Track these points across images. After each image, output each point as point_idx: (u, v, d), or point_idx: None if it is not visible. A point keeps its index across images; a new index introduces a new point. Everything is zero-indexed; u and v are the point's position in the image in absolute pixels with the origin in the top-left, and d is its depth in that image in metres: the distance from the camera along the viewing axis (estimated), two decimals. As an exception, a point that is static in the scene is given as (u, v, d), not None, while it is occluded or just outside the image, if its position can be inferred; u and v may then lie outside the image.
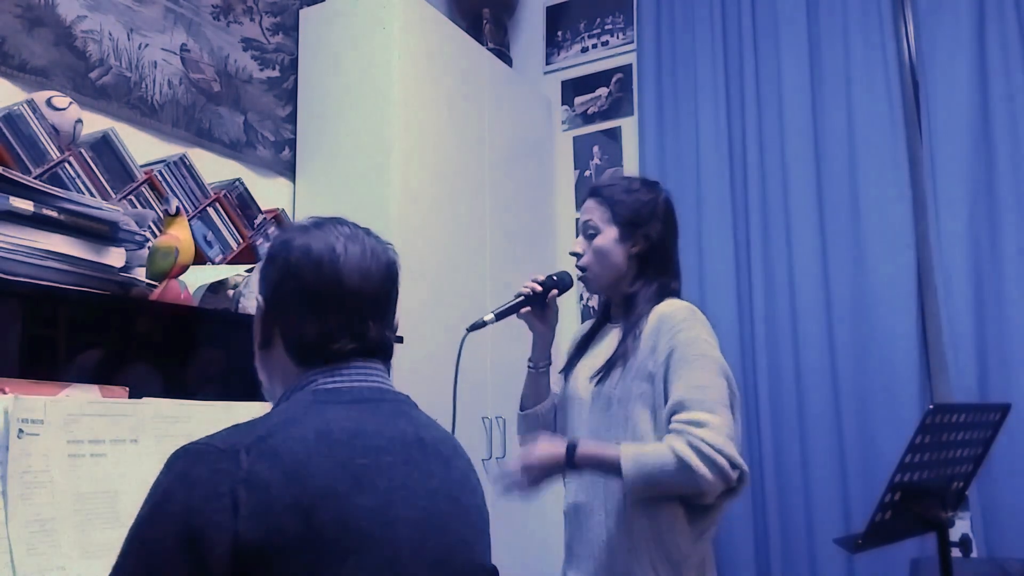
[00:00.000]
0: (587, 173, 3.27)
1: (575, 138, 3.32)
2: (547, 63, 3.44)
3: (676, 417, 1.45)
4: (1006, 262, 2.44)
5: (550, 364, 1.73)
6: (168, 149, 2.13)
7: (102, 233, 1.46)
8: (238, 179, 2.17)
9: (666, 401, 1.49)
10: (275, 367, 1.03)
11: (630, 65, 3.24)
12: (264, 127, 2.51)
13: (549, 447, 1.50)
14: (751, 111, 2.88)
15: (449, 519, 0.96)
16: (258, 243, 2.11)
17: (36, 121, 1.66)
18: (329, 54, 2.57)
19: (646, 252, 1.62)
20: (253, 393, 1.17)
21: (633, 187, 1.66)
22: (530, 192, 3.13)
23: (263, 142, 2.50)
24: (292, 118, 2.60)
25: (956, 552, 1.56)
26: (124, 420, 1.25)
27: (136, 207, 1.79)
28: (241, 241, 2.07)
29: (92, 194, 1.68)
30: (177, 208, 1.67)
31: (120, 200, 1.77)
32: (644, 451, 1.45)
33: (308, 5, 2.66)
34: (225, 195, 2.08)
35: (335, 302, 0.98)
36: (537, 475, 1.51)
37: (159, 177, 1.92)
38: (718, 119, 2.94)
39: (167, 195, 1.87)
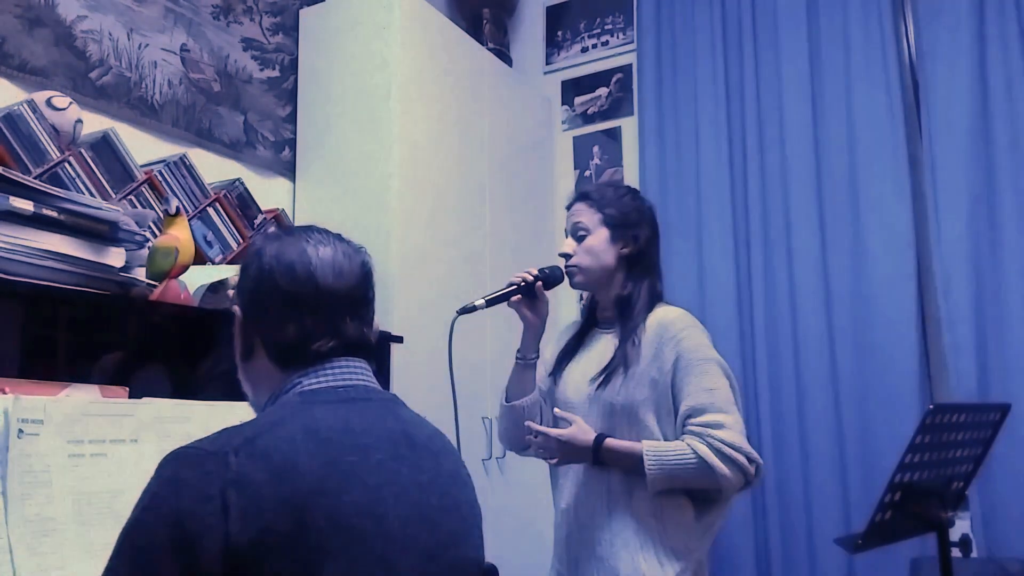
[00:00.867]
0: (587, 173, 3.27)
1: (575, 138, 3.32)
2: (547, 63, 3.44)
3: (692, 421, 1.55)
4: (1006, 262, 2.44)
5: (537, 357, 1.75)
6: (168, 149, 2.13)
7: (102, 233, 1.46)
8: (238, 179, 2.17)
9: (675, 406, 1.58)
10: (259, 376, 1.03)
11: (630, 65, 3.24)
12: (264, 127, 2.51)
13: (580, 433, 1.58)
14: (751, 111, 2.88)
15: (440, 514, 0.96)
16: (255, 242, 2.11)
17: (36, 121, 1.66)
18: (329, 54, 2.57)
19: (635, 254, 1.68)
20: (253, 393, 1.17)
21: (621, 192, 1.74)
22: (530, 192, 3.13)
23: (263, 142, 2.50)
24: (292, 118, 2.60)
25: (956, 552, 1.57)
26: (124, 420, 1.25)
27: (136, 207, 1.79)
28: (241, 241, 2.07)
29: (92, 194, 1.68)
30: (177, 208, 1.67)
31: (120, 200, 1.77)
32: (666, 449, 1.54)
33: (308, 5, 2.66)
34: (225, 195, 2.08)
35: (311, 302, 0.99)
36: (563, 455, 1.60)
37: (159, 177, 1.92)
38: (718, 119, 2.94)
39: (167, 195, 1.87)
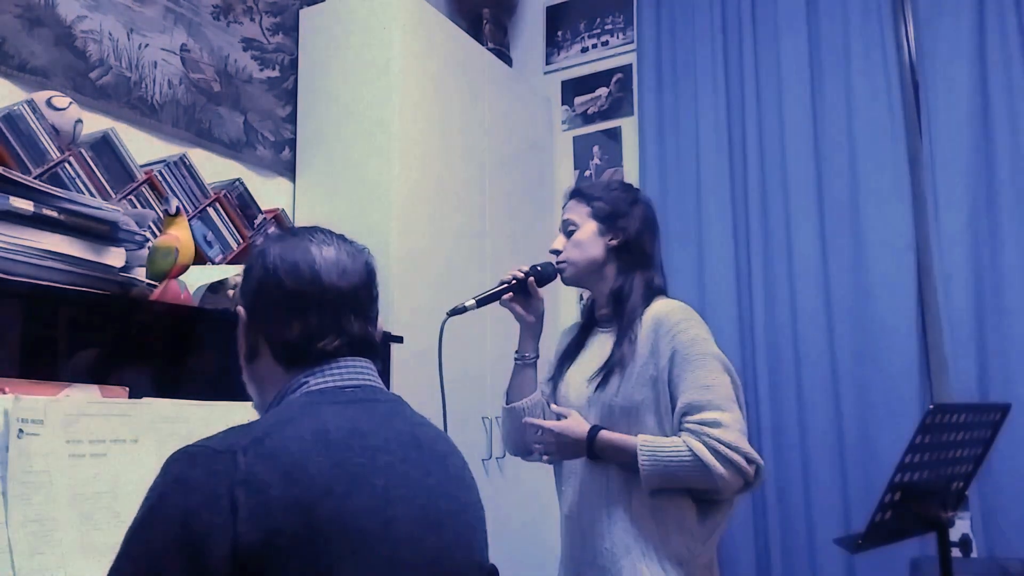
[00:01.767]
0: (587, 173, 3.27)
1: (575, 138, 3.32)
2: (547, 63, 3.44)
3: (688, 418, 1.49)
4: (1006, 262, 2.44)
5: (537, 357, 1.72)
6: (168, 149, 2.13)
7: (102, 233, 1.46)
8: (238, 179, 2.17)
9: (673, 403, 1.52)
10: (263, 377, 1.03)
11: (630, 65, 3.24)
12: (264, 127, 2.51)
13: (575, 425, 1.55)
14: (751, 111, 2.88)
15: (447, 517, 0.96)
16: (258, 243, 2.11)
17: (36, 121, 1.66)
18: (329, 54, 2.57)
19: (624, 246, 1.64)
20: (253, 394, 1.17)
21: (612, 187, 1.72)
22: (530, 192, 3.13)
23: (263, 142, 2.50)
24: (292, 118, 2.60)
25: (956, 552, 1.57)
26: (124, 420, 1.25)
27: (136, 207, 1.79)
28: (241, 241, 2.07)
29: (92, 194, 1.68)
30: (177, 208, 1.67)
31: (120, 200, 1.77)
32: (662, 445, 1.48)
33: (308, 5, 2.66)
34: (225, 195, 2.08)
35: (315, 301, 0.99)
36: (557, 449, 1.57)
37: (159, 177, 1.92)
38: (718, 119, 2.94)
39: (167, 195, 1.87)
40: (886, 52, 2.68)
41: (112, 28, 2.07)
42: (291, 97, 2.60)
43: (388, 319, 2.22)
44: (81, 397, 1.28)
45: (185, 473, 0.83)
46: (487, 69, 2.94)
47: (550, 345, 1.80)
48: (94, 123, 1.93)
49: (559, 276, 1.69)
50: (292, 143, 2.59)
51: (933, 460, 1.53)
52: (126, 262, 1.50)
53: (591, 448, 1.54)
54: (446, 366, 1.62)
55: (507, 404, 1.73)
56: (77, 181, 1.68)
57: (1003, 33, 2.52)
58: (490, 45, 3.15)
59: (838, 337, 2.65)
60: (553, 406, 1.63)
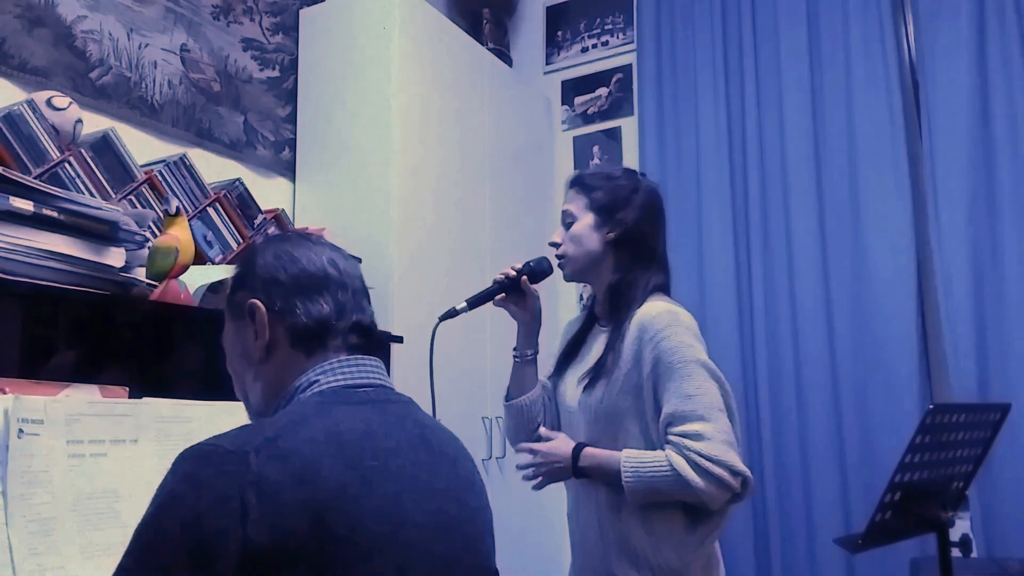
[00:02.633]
0: (587, 173, 3.26)
1: (575, 138, 3.32)
2: (547, 63, 3.44)
3: (671, 430, 1.44)
4: (1006, 262, 2.44)
5: (536, 353, 1.69)
6: (168, 149, 2.13)
7: (102, 233, 1.46)
8: (238, 179, 2.17)
9: (658, 411, 1.47)
10: (277, 374, 1.00)
11: (630, 65, 3.24)
12: (264, 127, 2.51)
13: (561, 445, 1.54)
14: (751, 111, 2.88)
15: (457, 521, 0.96)
16: (257, 242, 2.11)
17: (36, 121, 1.66)
18: (329, 54, 2.57)
19: (622, 239, 1.57)
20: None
21: (613, 175, 1.63)
22: (530, 192, 3.14)
23: (263, 142, 2.50)
24: (292, 118, 2.60)
25: (956, 552, 1.56)
26: (124, 420, 1.25)
27: (136, 207, 1.79)
28: (241, 241, 2.07)
29: (92, 194, 1.68)
30: (177, 208, 1.67)
31: (120, 200, 1.76)
32: (644, 460, 1.44)
33: (308, 5, 2.66)
34: (225, 195, 2.08)
35: (336, 281, 1.01)
36: (546, 471, 1.55)
37: (159, 177, 1.92)
38: (718, 119, 2.94)
39: (167, 195, 1.87)
40: (886, 51, 2.68)
41: (112, 28, 2.07)
42: (291, 97, 2.60)
43: (388, 319, 2.22)
44: (81, 397, 1.28)
45: (196, 472, 0.82)
46: (487, 69, 2.94)
47: (552, 340, 1.78)
48: (94, 123, 1.93)
49: (560, 272, 1.65)
50: (292, 143, 2.59)
51: (933, 460, 1.53)
52: (126, 262, 1.50)
53: (576, 466, 1.51)
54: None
55: (507, 401, 1.71)
56: (77, 181, 1.68)
57: (1003, 33, 2.52)
58: (490, 45, 3.15)
59: (838, 337, 2.65)
60: (542, 429, 1.61)
